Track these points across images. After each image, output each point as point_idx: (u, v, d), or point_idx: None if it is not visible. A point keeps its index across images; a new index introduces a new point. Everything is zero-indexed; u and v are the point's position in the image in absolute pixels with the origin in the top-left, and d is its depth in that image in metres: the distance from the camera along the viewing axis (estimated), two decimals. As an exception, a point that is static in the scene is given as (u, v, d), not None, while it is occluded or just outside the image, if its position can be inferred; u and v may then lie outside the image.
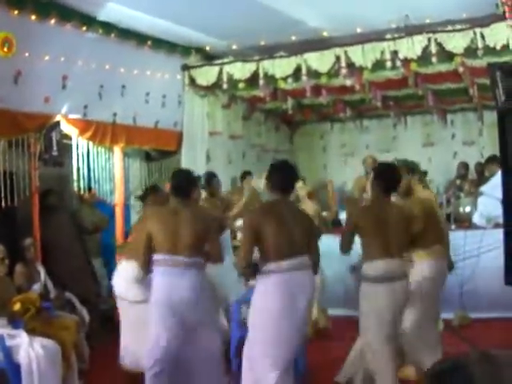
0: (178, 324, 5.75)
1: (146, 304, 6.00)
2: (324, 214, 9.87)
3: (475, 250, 8.79)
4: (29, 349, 5.98)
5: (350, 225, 5.98)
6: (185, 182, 6.14)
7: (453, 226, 9.28)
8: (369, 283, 5.69)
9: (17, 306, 6.41)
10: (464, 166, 12.14)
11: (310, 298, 5.50)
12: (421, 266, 6.40)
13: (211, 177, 8.75)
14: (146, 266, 5.87)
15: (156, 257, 5.79)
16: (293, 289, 5.34)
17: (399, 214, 5.87)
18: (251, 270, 5.38)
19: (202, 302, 5.88)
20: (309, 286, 5.47)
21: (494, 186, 8.45)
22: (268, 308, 5.31)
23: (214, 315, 6.48)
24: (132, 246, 6.73)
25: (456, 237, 8.51)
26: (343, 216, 10.06)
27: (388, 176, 5.94)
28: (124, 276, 6.71)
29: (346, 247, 5.88)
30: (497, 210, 8.12)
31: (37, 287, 7.20)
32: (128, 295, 6.67)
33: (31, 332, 6.23)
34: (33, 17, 7.76)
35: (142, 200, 7.55)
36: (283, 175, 5.63)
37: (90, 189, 9.44)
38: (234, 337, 6.99)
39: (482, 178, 10.97)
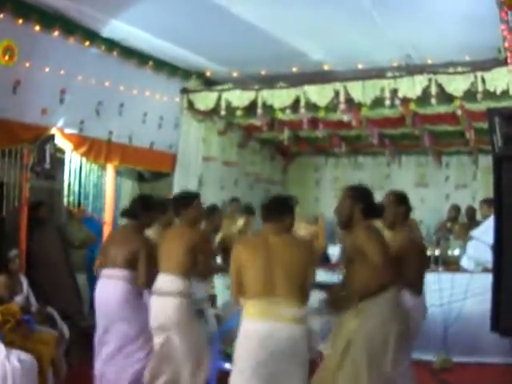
0: None
1: None
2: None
3: (462, 293, 8.73)
4: (5, 361, 5.91)
5: None
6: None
7: (440, 268, 9.23)
8: None
9: (-4, 317, 6.35)
10: (455, 208, 12.11)
11: None
12: None
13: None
14: None
15: None
16: None
17: None
18: None
19: None
20: None
21: (484, 230, 8.42)
22: None
23: None
24: None
25: (443, 279, 8.55)
26: (332, 251, 10.02)
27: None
28: None
29: None
30: (486, 255, 8.09)
31: (19, 299, 7.12)
32: None
33: (9, 344, 6.16)
34: (37, 27, 7.74)
35: None
36: None
37: (79, 204, 9.38)
38: (214, 368, 6.89)
39: (473, 222, 10.95)
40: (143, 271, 6.44)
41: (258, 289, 5.10)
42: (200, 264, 6.15)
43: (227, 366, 6.54)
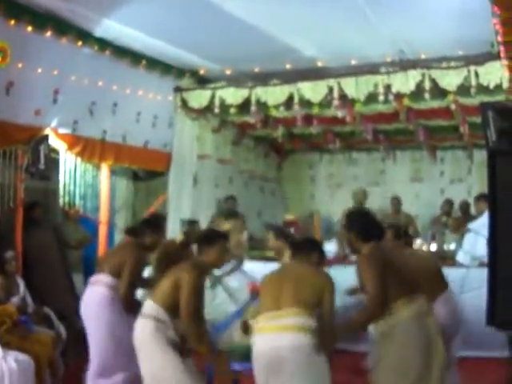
0: None
1: None
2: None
3: (458, 287, 8.72)
4: (2, 362, 5.92)
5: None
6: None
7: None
8: None
9: (-7, 318, 6.35)
10: (448, 202, 12.09)
11: None
12: None
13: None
14: None
15: None
16: None
17: None
18: None
19: None
20: None
21: (482, 224, 8.42)
22: None
23: None
24: None
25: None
26: (328, 247, 9.99)
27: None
28: None
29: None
30: (482, 249, 8.09)
31: (15, 300, 7.11)
32: None
33: (6, 345, 6.16)
34: (29, 28, 7.74)
35: None
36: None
37: (74, 204, 9.37)
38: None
39: (467, 217, 10.95)
40: (124, 283, 6.35)
41: (265, 306, 5.21)
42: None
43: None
